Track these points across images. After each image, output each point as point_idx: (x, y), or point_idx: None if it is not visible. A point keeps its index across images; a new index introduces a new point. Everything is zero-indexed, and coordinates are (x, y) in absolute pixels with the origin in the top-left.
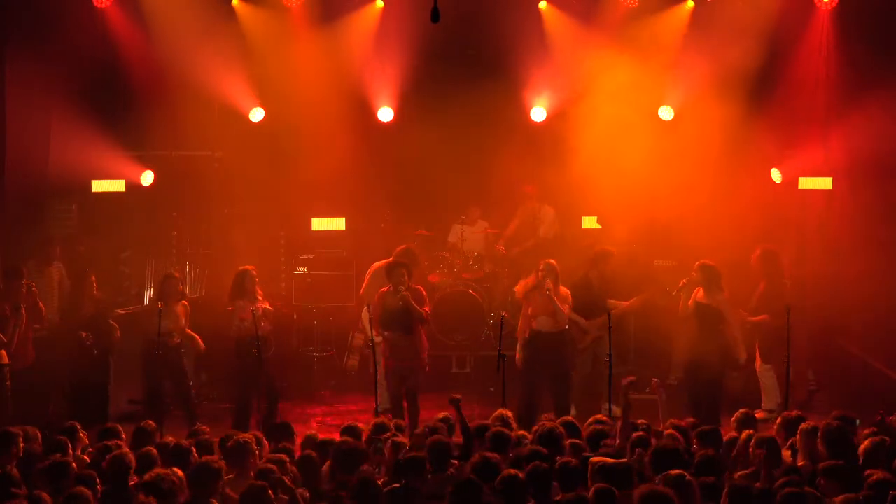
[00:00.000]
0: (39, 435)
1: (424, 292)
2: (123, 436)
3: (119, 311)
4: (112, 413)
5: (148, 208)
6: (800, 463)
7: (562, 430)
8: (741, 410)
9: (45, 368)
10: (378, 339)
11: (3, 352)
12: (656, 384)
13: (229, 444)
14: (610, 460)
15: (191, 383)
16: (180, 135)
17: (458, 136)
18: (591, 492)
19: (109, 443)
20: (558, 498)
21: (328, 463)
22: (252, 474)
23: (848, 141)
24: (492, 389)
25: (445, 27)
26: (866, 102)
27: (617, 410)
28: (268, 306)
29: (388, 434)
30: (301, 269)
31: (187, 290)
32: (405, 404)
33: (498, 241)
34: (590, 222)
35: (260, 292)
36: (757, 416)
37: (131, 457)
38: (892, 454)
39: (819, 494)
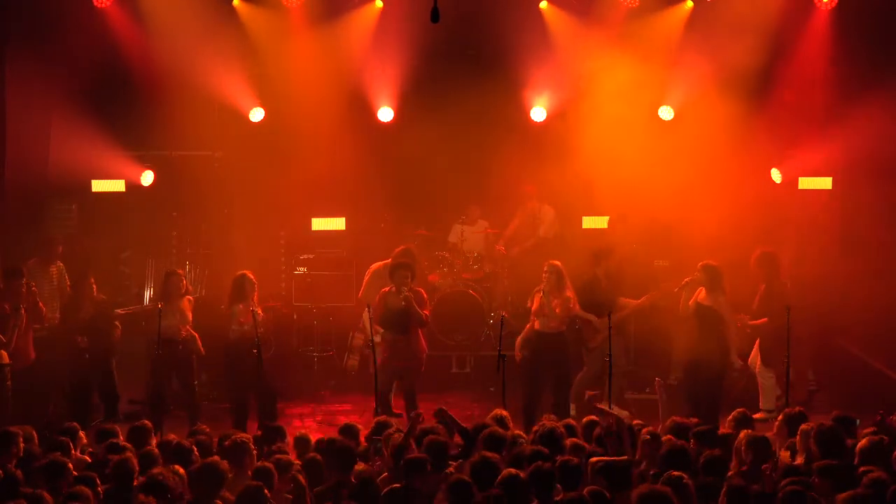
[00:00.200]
0: (36, 435)
1: (425, 294)
2: (121, 436)
3: (119, 311)
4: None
5: (148, 208)
6: (798, 462)
7: (563, 430)
8: (738, 410)
9: (45, 368)
10: (377, 339)
11: (4, 352)
12: (659, 384)
13: (227, 443)
14: (608, 458)
15: (196, 382)
16: (180, 135)
17: (457, 136)
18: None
19: (114, 443)
20: (559, 498)
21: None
22: (249, 473)
23: (848, 141)
24: (492, 389)
25: (445, 27)
26: (866, 102)
27: (618, 410)
28: (260, 311)
29: (391, 430)
30: (301, 269)
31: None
32: (402, 403)
33: (498, 241)
34: (595, 222)
35: (257, 298)
36: (755, 416)
37: (135, 461)
38: (889, 453)
39: (815, 495)
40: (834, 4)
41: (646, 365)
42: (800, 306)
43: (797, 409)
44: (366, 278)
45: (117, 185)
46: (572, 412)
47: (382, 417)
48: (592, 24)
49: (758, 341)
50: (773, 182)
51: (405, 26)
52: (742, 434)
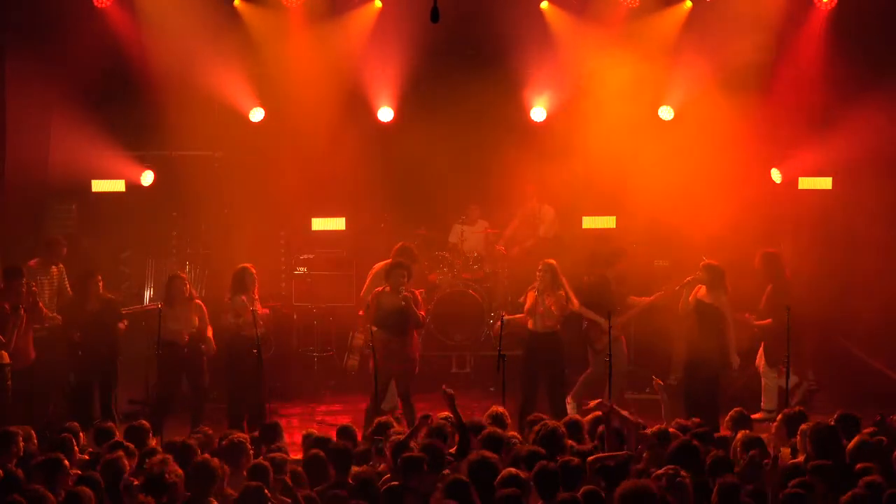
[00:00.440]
0: (35, 435)
1: (420, 296)
2: (118, 436)
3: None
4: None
5: (148, 208)
6: (799, 460)
7: (563, 429)
8: (735, 409)
9: (45, 368)
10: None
11: (4, 352)
12: (658, 386)
13: (224, 443)
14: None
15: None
16: (180, 135)
17: (457, 135)
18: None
19: (115, 443)
20: (559, 497)
21: None
22: (244, 473)
23: (848, 141)
24: (492, 389)
25: (445, 27)
26: (866, 102)
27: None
28: (258, 309)
29: (391, 430)
30: (301, 269)
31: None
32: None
33: (498, 241)
34: (595, 222)
35: (257, 293)
36: (753, 416)
37: (125, 460)
38: (883, 453)
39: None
40: (833, 4)
41: (646, 365)
42: (800, 306)
43: (796, 408)
44: (368, 279)
45: (117, 185)
46: (570, 410)
47: (384, 417)
48: (592, 23)
49: (763, 341)
50: (773, 182)
51: (405, 26)
52: (740, 435)
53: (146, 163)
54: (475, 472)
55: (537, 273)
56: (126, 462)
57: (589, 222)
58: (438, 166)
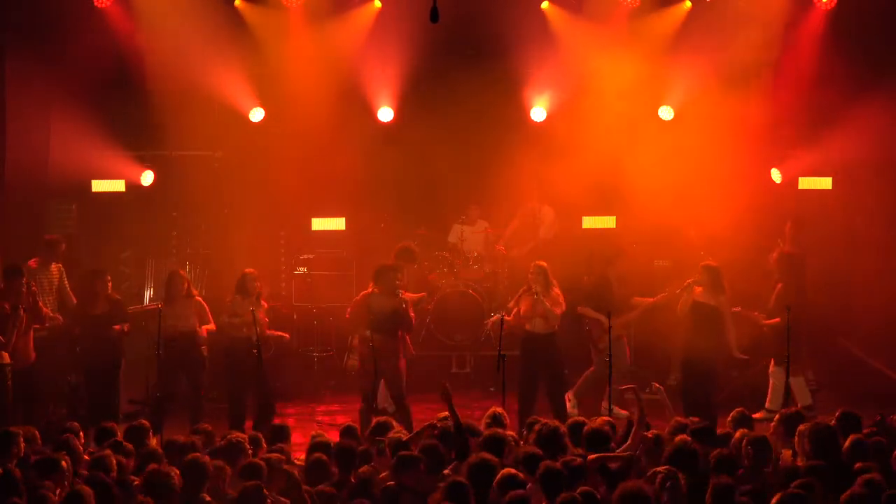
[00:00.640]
0: (38, 435)
1: (409, 298)
2: (119, 435)
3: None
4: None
5: (148, 208)
6: (798, 462)
7: (564, 429)
8: (737, 409)
9: (45, 368)
10: (354, 343)
11: (5, 352)
12: (656, 388)
13: (223, 443)
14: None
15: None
16: (180, 135)
17: (457, 135)
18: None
19: (115, 442)
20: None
21: None
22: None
23: (848, 141)
24: (492, 389)
25: (445, 27)
26: (866, 102)
27: (618, 410)
28: (261, 313)
29: (391, 431)
30: (301, 269)
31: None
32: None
33: (498, 241)
34: (595, 222)
35: (264, 298)
36: (754, 416)
37: (113, 459)
38: (881, 453)
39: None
40: (833, 4)
41: (646, 365)
42: (801, 306)
43: (793, 409)
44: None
45: (117, 185)
46: (569, 407)
47: (382, 417)
48: (593, 23)
49: (772, 342)
50: (773, 182)
51: (405, 26)
52: (738, 434)
53: (146, 163)
54: (475, 475)
55: (529, 276)
56: (114, 461)
57: (589, 222)
58: (438, 166)
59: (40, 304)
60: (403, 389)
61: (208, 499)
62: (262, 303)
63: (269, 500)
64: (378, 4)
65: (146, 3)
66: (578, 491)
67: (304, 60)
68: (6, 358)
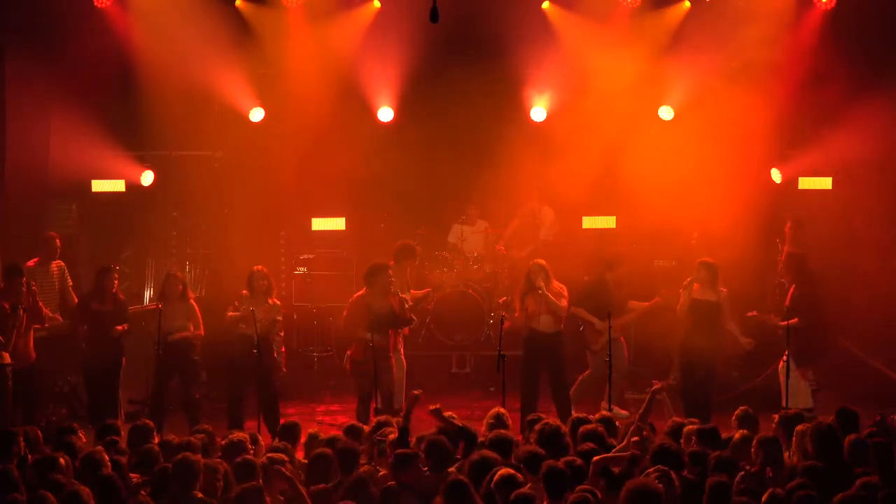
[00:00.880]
0: (41, 435)
1: (413, 296)
2: (123, 433)
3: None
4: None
5: (148, 208)
6: (794, 462)
7: (565, 429)
8: (741, 408)
9: (45, 368)
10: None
11: (5, 353)
12: (655, 389)
13: (224, 442)
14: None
15: (197, 384)
16: (180, 135)
17: (457, 135)
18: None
19: (113, 440)
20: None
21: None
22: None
23: (847, 141)
24: (492, 389)
25: (445, 26)
26: (866, 102)
27: (618, 410)
28: (262, 313)
29: (388, 430)
30: (301, 269)
31: (189, 290)
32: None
33: (498, 241)
34: (595, 222)
35: (273, 295)
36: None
37: (105, 455)
38: (881, 453)
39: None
40: (833, 4)
41: (646, 365)
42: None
43: (792, 410)
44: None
45: (117, 185)
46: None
47: (383, 417)
48: (593, 23)
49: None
50: (773, 182)
51: (405, 26)
52: (738, 434)
53: (146, 163)
54: (475, 474)
55: (530, 275)
56: (106, 457)
57: (589, 222)
58: (438, 166)
59: (40, 304)
60: (395, 390)
61: (200, 496)
62: (275, 301)
63: (268, 501)
64: (377, 4)
65: (146, 3)
66: (581, 489)
67: (304, 60)
68: (6, 358)
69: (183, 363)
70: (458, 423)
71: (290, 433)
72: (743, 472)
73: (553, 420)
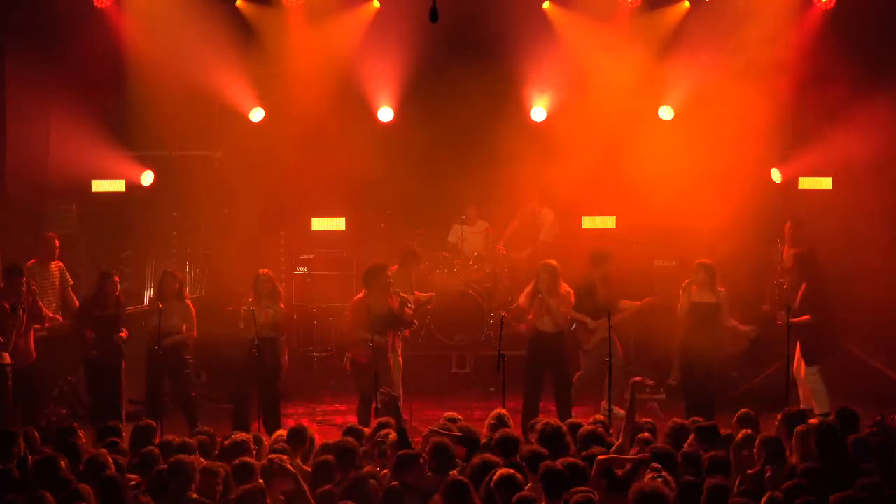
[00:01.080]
0: (38, 435)
1: (418, 299)
2: (124, 434)
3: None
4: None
5: (148, 208)
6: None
7: (566, 429)
8: (742, 410)
9: (45, 368)
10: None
11: (5, 353)
12: (650, 387)
13: (226, 443)
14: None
15: (192, 384)
16: (180, 135)
17: (457, 135)
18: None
19: (113, 441)
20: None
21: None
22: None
23: (848, 141)
24: (492, 389)
25: (445, 26)
26: (866, 102)
27: (618, 410)
28: (265, 313)
29: (386, 431)
30: (301, 269)
31: (187, 290)
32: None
33: (498, 241)
34: (595, 222)
35: (280, 295)
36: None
37: (108, 457)
38: (882, 452)
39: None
40: (832, 4)
41: (646, 365)
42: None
43: (794, 409)
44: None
45: (117, 185)
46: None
47: (384, 418)
48: (593, 23)
49: (798, 343)
50: (773, 182)
51: (405, 26)
52: (740, 435)
53: (146, 163)
54: (476, 475)
55: (537, 275)
56: (110, 459)
57: (589, 222)
58: (438, 166)
59: (40, 304)
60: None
61: (195, 496)
62: (281, 306)
63: (268, 501)
64: (377, 4)
65: (146, 3)
66: (580, 490)
67: (304, 60)
68: (6, 358)
69: (173, 364)
70: (458, 430)
71: (296, 438)
72: (741, 476)
73: (554, 420)
